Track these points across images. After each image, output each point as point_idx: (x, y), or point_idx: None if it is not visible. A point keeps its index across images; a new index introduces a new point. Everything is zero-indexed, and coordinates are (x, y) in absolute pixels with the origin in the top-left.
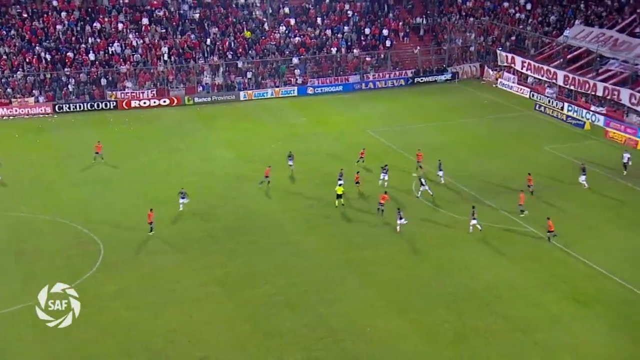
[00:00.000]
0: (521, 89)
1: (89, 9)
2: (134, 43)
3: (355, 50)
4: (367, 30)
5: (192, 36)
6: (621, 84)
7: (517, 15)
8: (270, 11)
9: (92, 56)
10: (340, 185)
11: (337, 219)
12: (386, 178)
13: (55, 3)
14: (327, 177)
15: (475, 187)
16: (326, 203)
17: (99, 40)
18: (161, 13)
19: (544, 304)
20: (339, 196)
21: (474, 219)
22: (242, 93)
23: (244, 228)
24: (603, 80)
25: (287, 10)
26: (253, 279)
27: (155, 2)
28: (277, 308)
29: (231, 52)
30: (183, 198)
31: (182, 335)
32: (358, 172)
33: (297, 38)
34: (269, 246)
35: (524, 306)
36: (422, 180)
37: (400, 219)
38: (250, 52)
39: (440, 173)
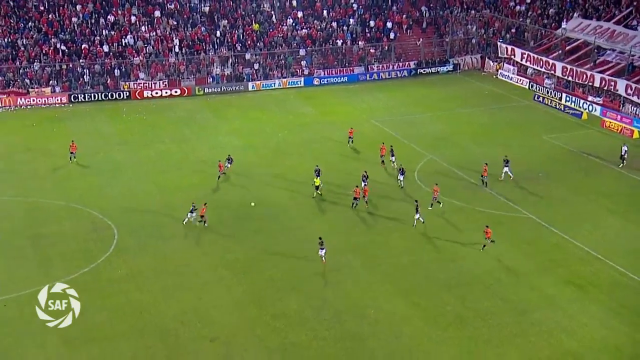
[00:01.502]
0: (521, 79)
1: (103, 2)
2: (147, 35)
3: (360, 42)
4: (371, 23)
5: (203, 29)
6: (617, 75)
7: (517, 8)
8: (278, 4)
9: (106, 48)
10: (317, 177)
11: (342, 206)
12: (401, 178)
13: None
14: (333, 165)
15: (477, 176)
16: (331, 191)
17: (112, 32)
18: (172, 6)
19: (541, 287)
20: (317, 187)
21: (417, 212)
22: (250, 84)
23: (252, 214)
24: (600, 72)
25: (294, 3)
26: (260, 263)
27: None
28: (283, 291)
29: (240, 44)
30: (192, 212)
31: (192, 316)
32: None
33: (303, 30)
34: (276, 232)
35: (523, 289)
36: (401, 169)
37: (417, 213)
38: (258, 44)
39: (506, 169)
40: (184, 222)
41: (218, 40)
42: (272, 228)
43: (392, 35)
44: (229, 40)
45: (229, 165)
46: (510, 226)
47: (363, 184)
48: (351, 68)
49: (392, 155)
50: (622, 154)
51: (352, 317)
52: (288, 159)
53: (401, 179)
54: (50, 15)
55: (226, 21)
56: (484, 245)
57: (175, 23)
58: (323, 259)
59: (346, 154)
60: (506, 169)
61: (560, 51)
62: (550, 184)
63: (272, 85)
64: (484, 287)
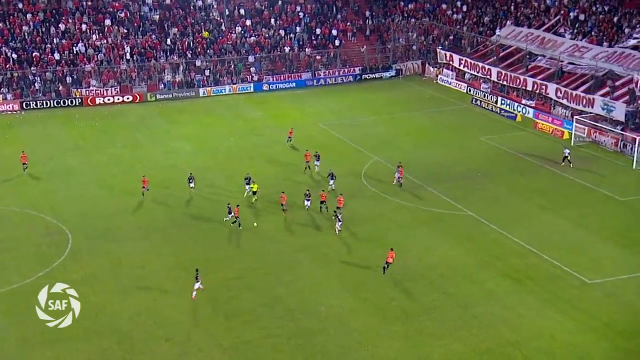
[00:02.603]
0: (459, 84)
1: (54, 11)
2: (98, 43)
3: (307, 49)
4: (317, 31)
5: (153, 36)
6: (548, 79)
7: (455, 16)
8: (227, 13)
9: (57, 56)
10: (254, 183)
11: (294, 207)
12: (331, 183)
13: (20, 5)
14: (283, 167)
15: (419, 175)
16: (283, 190)
17: (63, 40)
18: (123, 14)
19: (481, 281)
20: (254, 193)
21: (339, 221)
22: (201, 90)
23: (205, 216)
24: (532, 76)
25: (242, 12)
26: (214, 263)
27: (117, 4)
28: (236, 290)
29: (190, 52)
30: (229, 213)
31: (147, 317)
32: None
33: (252, 38)
34: (228, 232)
35: (464, 283)
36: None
37: (339, 221)
38: (208, 51)
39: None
40: (225, 220)
41: (169, 48)
42: (225, 229)
43: (337, 43)
44: (180, 47)
45: (192, 185)
46: (452, 223)
47: (331, 180)
48: (299, 74)
49: (318, 161)
50: (566, 156)
51: (303, 314)
52: (239, 162)
53: (331, 183)
54: (0, 24)
55: (176, 29)
56: (384, 269)
57: (125, 31)
58: (193, 293)
59: (295, 155)
60: (397, 174)
61: (495, 57)
62: (488, 183)
63: (223, 91)
64: (427, 282)
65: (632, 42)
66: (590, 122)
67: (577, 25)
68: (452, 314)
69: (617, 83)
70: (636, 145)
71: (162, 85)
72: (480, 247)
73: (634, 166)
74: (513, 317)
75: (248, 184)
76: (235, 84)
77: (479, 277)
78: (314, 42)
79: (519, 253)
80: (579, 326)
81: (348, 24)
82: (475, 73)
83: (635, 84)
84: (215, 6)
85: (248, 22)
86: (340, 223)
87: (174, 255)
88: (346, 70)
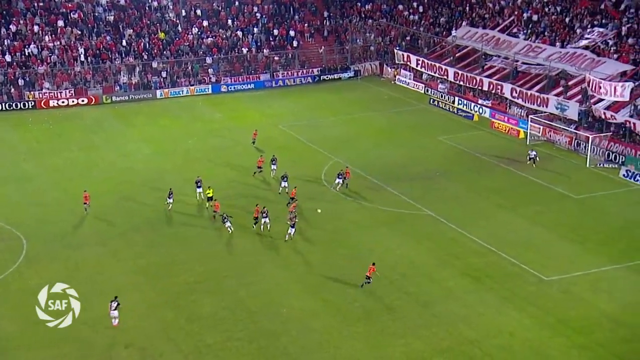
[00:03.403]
0: (417, 84)
1: (4, 12)
2: (51, 45)
3: (265, 50)
4: (275, 32)
5: (108, 37)
6: (503, 79)
7: (411, 17)
8: (183, 14)
9: (8, 57)
10: (209, 188)
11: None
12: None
13: None
14: (243, 170)
15: (379, 176)
16: (242, 194)
17: (15, 42)
18: (76, 15)
19: (441, 280)
20: (209, 199)
21: (293, 226)
22: (158, 91)
23: (164, 219)
24: (488, 76)
25: (199, 12)
26: (174, 267)
27: (70, 5)
28: (197, 294)
29: (146, 53)
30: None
31: (106, 323)
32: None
33: (209, 39)
34: (189, 236)
35: (424, 282)
36: (285, 176)
37: (292, 228)
38: (165, 52)
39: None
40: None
41: (124, 49)
42: (186, 233)
43: (295, 43)
44: (135, 48)
45: (170, 201)
46: (411, 223)
47: (284, 183)
48: (257, 75)
49: (274, 164)
50: (532, 157)
51: (265, 316)
52: (198, 164)
53: (285, 185)
54: None
55: (132, 30)
56: (363, 284)
57: (79, 32)
58: (115, 320)
59: (255, 157)
60: (339, 180)
61: (451, 57)
62: (447, 182)
63: (180, 92)
64: (389, 282)
65: (583, 42)
66: (545, 122)
67: (530, 26)
68: (413, 313)
69: (570, 83)
70: (589, 143)
71: (118, 87)
72: (439, 246)
73: (587, 164)
74: (472, 315)
75: (199, 187)
76: (192, 85)
77: (438, 276)
78: (272, 43)
79: (477, 252)
80: (536, 323)
81: (306, 24)
82: (433, 73)
83: (588, 84)
84: (171, 7)
85: (205, 23)
86: (292, 230)
87: (133, 260)
88: (305, 71)
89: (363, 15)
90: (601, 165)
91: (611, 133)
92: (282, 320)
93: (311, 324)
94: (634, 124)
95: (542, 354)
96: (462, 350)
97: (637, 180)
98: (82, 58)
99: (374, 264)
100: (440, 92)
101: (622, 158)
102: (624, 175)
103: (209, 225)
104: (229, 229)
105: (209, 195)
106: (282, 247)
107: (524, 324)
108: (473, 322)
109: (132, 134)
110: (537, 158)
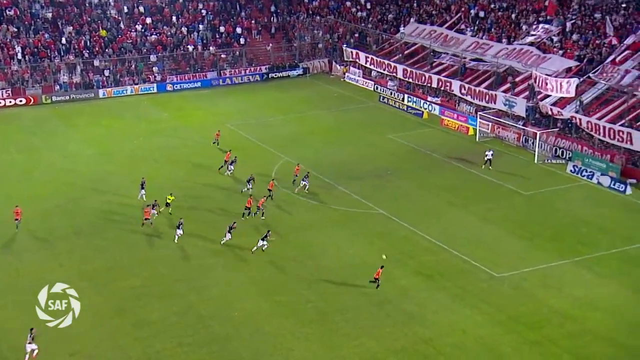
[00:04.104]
0: (366, 82)
1: None
2: None
3: (211, 48)
4: (221, 29)
5: (46, 35)
6: (452, 76)
7: (359, 13)
8: (126, 10)
9: None
10: (171, 195)
11: (202, 212)
12: (250, 187)
13: None
14: (192, 169)
15: (329, 174)
16: (191, 195)
17: None
18: (12, 12)
19: (394, 279)
20: (167, 204)
21: (264, 239)
22: (101, 91)
23: (109, 223)
24: (436, 73)
25: (141, 9)
26: (120, 272)
27: (4, 2)
28: (145, 299)
29: (87, 51)
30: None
31: (50, 332)
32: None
33: (153, 36)
34: (135, 240)
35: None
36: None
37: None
38: (107, 50)
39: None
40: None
41: (64, 47)
42: (131, 237)
43: (242, 41)
44: (76, 46)
45: (155, 213)
46: (364, 222)
47: (249, 186)
48: (204, 73)
49: (232, 164)
50: (489, 157)
51: (216, 320)
52: (144, 165)
53: (249, 187)
54: None
55: (71, 27)
56: (375, 282)
57: (16, 30)
58: (35, 352)
59: (204, 157)
60: (304, 182)
61: (400, 54)
62: (398, 180)
63: (124, 92)
64: (341, 282)
65: (529, 38)
66: (494, 118)
67: (477, 23)
68: (367, 313)
69: (517, 79)
70: (537, 140)
71: (58, 87)
72: (392, 245)
73: (535, 160)
74: (426, 314)
75: (143, 188)
76: (137, 84)
77: (391, 275)
78: (219, 40)
79: (429, 249)
80: (488, 319)
81: (253, 21)
82: (382, 71)
83: (534, 80)
84: (112, 3)
85: (148, 20)
86: (228, 237)
87: (77, 265)
88: (252, 69)
89: (311, 12)
90: (549, 161)
91: (558, 129)
92: (234, 323)
93: (264, 326)
94: (580, 119)
95: (494, 351)
96: (416, 350)
97: (584, 175)
98: (19, 56)
99: (382, 267)
100: (389, 89)
101: (569, 154)
102: (571, 170)
103: (155, 229)
104: (177, 235)
105: (167, 201)
106: (233, 249)
107: (476, 321)
108: (426, 321)
109: (74, 135)
110: (492, 158)
